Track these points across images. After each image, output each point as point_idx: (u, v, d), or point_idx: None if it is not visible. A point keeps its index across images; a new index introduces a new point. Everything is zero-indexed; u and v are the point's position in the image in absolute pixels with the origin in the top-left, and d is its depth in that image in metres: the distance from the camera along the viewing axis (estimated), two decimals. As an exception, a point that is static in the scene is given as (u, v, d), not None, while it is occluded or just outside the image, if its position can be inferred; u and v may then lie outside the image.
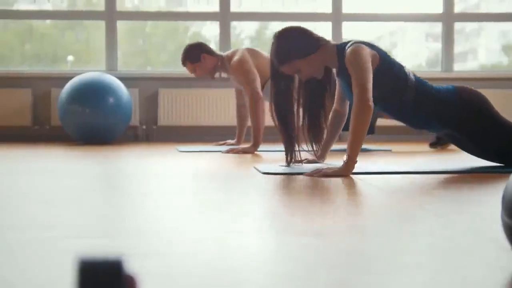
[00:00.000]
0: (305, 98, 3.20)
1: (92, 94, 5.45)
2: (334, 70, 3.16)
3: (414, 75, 3.10)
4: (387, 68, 3.01)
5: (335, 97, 3.31)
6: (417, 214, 1.92)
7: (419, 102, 3.05)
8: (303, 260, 1.32)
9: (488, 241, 1.48)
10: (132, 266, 1.18)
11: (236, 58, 4.68)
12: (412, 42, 6.61)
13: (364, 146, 5.04)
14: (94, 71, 5.81)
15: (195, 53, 4.81)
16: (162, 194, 2.41)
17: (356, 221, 1.82)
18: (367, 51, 2.96)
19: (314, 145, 3.27)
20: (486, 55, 8.96)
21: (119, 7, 6.38)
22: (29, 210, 1.98)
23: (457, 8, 6.56)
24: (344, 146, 5.02)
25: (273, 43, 3.11)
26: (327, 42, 3.11)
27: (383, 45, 9.45)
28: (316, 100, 3.21)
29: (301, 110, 3.21)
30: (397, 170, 3.05)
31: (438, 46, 10.11)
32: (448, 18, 6.45)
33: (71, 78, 5.61)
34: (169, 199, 2.28)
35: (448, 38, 6.48)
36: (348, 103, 3.31)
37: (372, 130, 4.72)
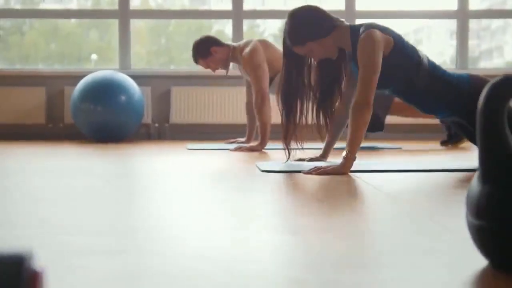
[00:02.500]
0: (319, 78, 3.16)
1: (104, 93, 5.48)
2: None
3: (428, 59, 3.07)
4: (400, 51, 2.97)
5: (345, 80, 3.27)
6: (404, 214, 1.91)
7: (431, 86, 3.02)
8: (273, 257, 1.32)
9: (461, 240, 1.46)
10: (108, 265, 1.19)
11: (247, 49, 4.65)
12: (437, 39, 6.54)
13: (374, 144, 5.05)
14: (107, 69, 5.85)
15: (205, 48, 4.79)
16: (157, 192, 2.42)
17: (334, 220, 1.81)
18: (380, 38, 2.92)
19: (321, 128, 3.22)
20: (512, 52, 8.85)
21: (133, 5, 6.42)
22: (28, 207, 2.00)
23: (483, 5, 6.48)
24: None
25: (286, 22, 3.08)
26: (341, 23, 3.08)
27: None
28: (330, 79, 3.17)
29: (313, 89, 3.17)
30: (398, 168, 3.02)
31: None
32: (463, 15, 6.39)
33: (84, 76, 5.64)
34: (163, 196, 2.29)
35: (462, 35, 6.41)
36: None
37: (381, 127, 4.69)
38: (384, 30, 2.98)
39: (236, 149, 4.47)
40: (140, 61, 7.56)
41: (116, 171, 3.17)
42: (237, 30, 6.33)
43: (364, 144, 4.98)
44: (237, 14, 6.33)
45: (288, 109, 3.15)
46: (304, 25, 3.03)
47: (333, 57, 3.09)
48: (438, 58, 7.32)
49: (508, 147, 1.14)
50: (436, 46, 7.97)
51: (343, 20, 3.11)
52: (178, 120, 6.17)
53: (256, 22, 7.58)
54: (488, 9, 6.73)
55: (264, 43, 4.71)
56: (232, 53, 4.79)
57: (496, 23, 9.21)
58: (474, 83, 3.00)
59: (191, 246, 1.42)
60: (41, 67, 6.68)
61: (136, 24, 6.85)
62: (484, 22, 9.32)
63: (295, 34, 3.03)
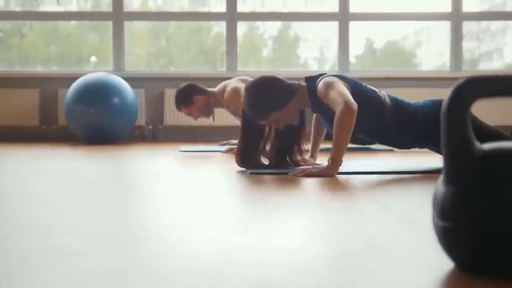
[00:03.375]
0: (277, 139, 3.16)
1: (96, 94, 5.49)
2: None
3: (390, 96, 3.08)
4: (359, 94, 2.99)
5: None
6: (379, 215, 1.91)
7: (399, 120, 3.03)
8: (235, 258, 1.32)
9: (427, 242, 1.47)
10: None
11: (228, 89, 4.68)
12: (436, 41, 6.56)
13: (368, 146, 5.04)
14: (100, 72, 5.86)
15: (187, 97, 4.81)
16: (139, 194, 2.43)
17: (299, 220, 1.81)
18: (338, 81, 2.95)
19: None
20: (512, 55, 8.85)
21: (128, 8, 6.43)
22: (13, 209, 2.00)
23: (482, 7, 6.48)
24: (349, 145, 5.02)
25: (245, 97, 3.04)
26: (299, 86, 3.09)
27: (408, 45, 9.39)
28: (289, 141, 3.17)
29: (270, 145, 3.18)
30: (383, 170, 3.03)
31: (465, 45, 10.00)
32: (457, 17, 6.40)
33: (78, 78, 5.65)
34: (144, 198, 2.30)
35: (456, 38, 6.42)
36: None
37: (372, 141, 4.69)
38: (340, 77, 3.01)
39: (227, 151, 4.48)
40: (140, 63, 7.57)
41: (102, 173, 3.17)
42: (231, 32, 6.34)
43: (358, 145, 4.99)
44: (231, 16, 6.34)
45: (245, 160, 3.13)
46: (265, 97, 3.01)
47: (296, 122, 3.09)
48: (438, 60, 7.35)
49: (472, 148, 1.14)
50: (436, 48, 7.98)
51: (299, 82, 3.11)
52: (172, 122, 6.17)
53: (256, 24, 7.58)
54: (482, 11, 6.74)
55: (244, 80, 4.70)
56: (214, 99, 4.81)
57: (496, 25, 9.22)
58: (438, 107, 2.98)
59: (165, 246, 1.42)
60: (35, 69, 6.68)
61: (136, 26, 6.87)
62: (484, 24, 9.33)
63: (258, 108, 3.02)
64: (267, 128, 3.13)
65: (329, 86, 2.93)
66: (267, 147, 3.15)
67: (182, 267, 1.24)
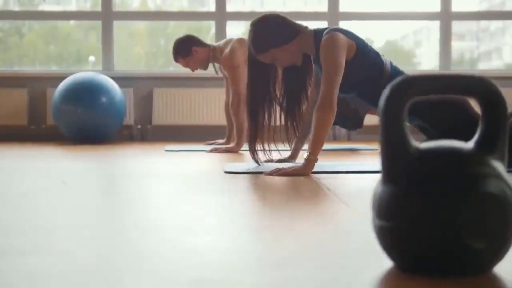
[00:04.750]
0: (285, 85, 3.18)
1: (84, 94, 5.48)
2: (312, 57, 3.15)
3: (391, 64, 3.10)
4: (363, 55, 2.99)
5: (311, 85, 3.29)
6: (333, 215, 1.91)
7: None
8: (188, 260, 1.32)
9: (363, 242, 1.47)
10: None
11: (227, 50, 4.66)
12: (436, 40, 6.56)
13: (352, 145, 5.05)
14: (88, 71, 5.86)
15: (186, 47, 4.80)
16: (115, 193, 2.43)
17: (272, 221, 1.81)
18: (343, 40, 2.94)
19: (289, 133, 3.24)
20: (511, 54, 8.84)
21: (117, 7, 6.43)
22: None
23: (482, 7, 6.48)
24: (335, 145, 5.03)
25: (250, 31, 3.09)
26: (304, 29, 3.09)
27: (407, 44, 9.36)
28: (296, 86, 3.19)
29: (280, 96, 3.19)
30: (359, 169, 3.03)
31: (464, 45, 9.97)
32: (446, 17, 6.40)
33: (66, 78, 5.65)
34: (120, 197, 2.30)
35: (445, 37, 6.42)
36: None
37: (360, 124, 4.67)
38: (347, 34, 2.99)
39: (212, 150, 4.48)
40: (139, 62, 7.58)
41: (81, 172, 3.17)
42: (220, 31, 6.34)
43: (342, 145, 4.99)
44: (220, 16, 6.34)
45: (255, 118, 3.15)
46: (267, 32, 3.04)
47: (298, 64, 3.10)
48: (437, 59, 7.32)
49: (408, 148, 1.14)
50: (435, 47, 7.99)
51: (306, 26, 3.11)
52: (161, 121, 6.17)
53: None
54: (471, 11, 6.74)
55: (244, 42, 4.69)
56: (212, 53, 4.81)
57: (495, 24, 9.21)
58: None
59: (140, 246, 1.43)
60: (24, 68, 6.68)
61: (137, 26, 6.88)
62: (483, 23, 9.31)
63: (258, 42, 3.04)
64: (272, 72, 3.13)
65: (329, 45, 2.91)
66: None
67: (141, 268, 1.24)
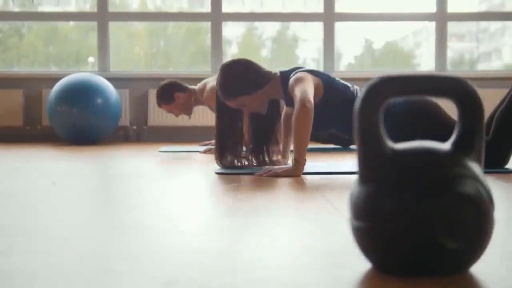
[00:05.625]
0: (251, 127, 3.20)
1: (79, 95, 5.49)
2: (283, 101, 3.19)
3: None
4: (331, 89, 3.03)
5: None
6: (318, 214, 1.91)
7: None
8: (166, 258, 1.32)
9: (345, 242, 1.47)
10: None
11: (208, 88, 4.71)
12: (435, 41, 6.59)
13: (347, 146, 5.04)
14: (84, 72, 5.86)
15: (168, 94, 4.85)
16: (104, 193, 2.42)
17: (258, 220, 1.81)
18: (309, 78, 2.97)
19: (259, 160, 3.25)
20: (511, 55, 8.84)
21: (115, 8, 6.43)
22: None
23: (481, 8, 6.47)
24: (327, 145, 5.02)
25: (219, 75, 3.09)
26: (273, 76, 3.12)
27: (407, 45, 9.35)
28: (264, 128, 3.20)
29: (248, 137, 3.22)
30: (350, 170, 3.03)
31: (464, 45, 9.96)
32: (442, 18, 6.40)
33: (62, 78, 5.65)
34: (108, 198, 2.29)
35: (441, 38, 6.42)
36: None
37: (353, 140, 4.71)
38: (313, 72, 3.04)
39: (206, 151, 4.48)
40: (139, 63, 7.58)
41: (73, 173, 3.17)
42: (216, 32, 6.34)
43: (335, 146, 4.99)
44: (216, 17, 6.34)
45: (223, 159, 3.14)
46: (236, 79, 3.05)
47: (263, 112, 3.15)
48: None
49: (384, 147, 1.14)
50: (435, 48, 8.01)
51: (275, 72, 3.13)
52: (156, 122, 6.18)
53: (254, 25, 7.59)
54: (467, 12, 6.74)
55: None
56: (194, 97, 4.85)
57: (495, 25, 9.20)
58: (410, 106, 3.01)
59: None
60: (17, 69, 6.68)
61: (135, 27, 6.87)
62: (483, 24, 9.31)
63: (228, 88, 3.05)
64: (242, 115, 3.14)
65: (297, 80, 2.94)
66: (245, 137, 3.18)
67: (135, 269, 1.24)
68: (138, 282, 1.13)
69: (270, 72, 3.12)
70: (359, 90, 3.11)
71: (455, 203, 1.11)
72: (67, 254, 1.36)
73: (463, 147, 1.16)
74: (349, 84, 3.13)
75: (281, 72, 3.12)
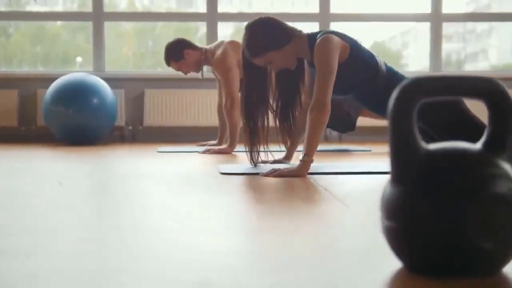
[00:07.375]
0: (279, 89, 3.20)
1: (75, 95, 5.45)
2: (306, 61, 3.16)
3: (386, 64, 3.12)
4: (357, 57, 3.02)
5: (305, 87, 3.30)
6: (338, 215, 1.91)
7: (390, 91, 3.03)
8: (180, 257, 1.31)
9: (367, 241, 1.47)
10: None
11: (219, 52, 4.66)
12: (423, 42, 6.59)
13: (345, 147, 5.06)
14: (79, 72, 5.83)
15: (178, 51, 4.79)
16: (108, 194, 2.41)
17: (275, 221, 1.81)
18: (336, 43, 2.95)
19: (284, 137, 3.26)
20: (497, 56, 8.88)
21: (107, 8, 6.40)
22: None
23: (469, 8, 6.50)
24: (327, 146, 5.03)
25: (245, 34, 3.09)
26: (299, 32, 3.10)
27: (395, 45, 9.35)
28: (290, 90, 3.20)
29: (273, 100, 3.21)
30: (356, 170, 3.03)
31: (451, 46, 10.00)
32: (436, 19, 6.42)
33: (57, 79, 5.62)
34: (113, 199, 2.28)
35: (435, 39, 6.44)
36: None
37: (353, 127, 4.69)
38: (341, 36, 3.01)
39: (205, 152, 4.47)
40: (127, 63, 7.54)
41: (71, 174, 3.15)
42: (212, 32, 6.33)
43: (335, 147, 5.00)
44: (211, 17, 6.33)
45: (250, 120, 3.15)
46: (262, 35, 3.04)
47: (292, 67, 3.11)
48: (426, 60, 7.37)
49: (417, 148, 1.15)
50: (423, 49, 8.03)
51: (300, 30, 3.12)
52: (152, 122, 6.16)
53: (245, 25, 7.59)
54: (461, 13, 6.77)
55: (235, 45, 4.69)
56: (204, 56, 4.80)
57: (481, 26, 9.25)
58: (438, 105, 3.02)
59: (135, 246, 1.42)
60: (14, 69, 6.64)
61: (123, 27, 6.84)
62: (469, 25, 9.34)
63: (254, 45, 3.04)
64: (267, 75, 3.14)
65: (323, 45, 2.93)
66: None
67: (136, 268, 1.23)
68: (161, 282, 1.13)
69: (296, 28, 3.11)
70: (384, 63, 3.10)
71: (488, 203, 1.11)
72: (84, 255, 1.35)
73: (494, 147, 1.16)
74: (375, 54, 3.12)
75: (308, 34, 3.09)
